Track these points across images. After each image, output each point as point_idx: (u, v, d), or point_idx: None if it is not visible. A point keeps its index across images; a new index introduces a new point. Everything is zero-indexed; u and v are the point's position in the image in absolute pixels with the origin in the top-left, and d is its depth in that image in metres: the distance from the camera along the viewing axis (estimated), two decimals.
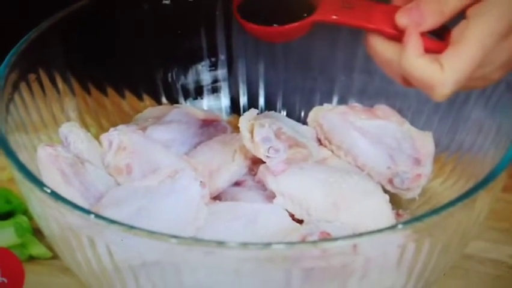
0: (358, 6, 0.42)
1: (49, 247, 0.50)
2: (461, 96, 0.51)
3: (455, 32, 0.40)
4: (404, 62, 0.40)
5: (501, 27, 0.39)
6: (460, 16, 0.41)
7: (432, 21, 0.40)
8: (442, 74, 0.39)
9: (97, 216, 0.39)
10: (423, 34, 0.41)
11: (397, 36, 0.41)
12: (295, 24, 0.44)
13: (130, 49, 0.55)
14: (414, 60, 0.40)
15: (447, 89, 0.40)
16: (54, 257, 0.50)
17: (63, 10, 0.52)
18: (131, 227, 0.38)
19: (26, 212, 0.52)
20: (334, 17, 0.43)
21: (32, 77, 0.50)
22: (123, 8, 0.54)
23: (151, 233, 0.38)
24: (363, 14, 0.42)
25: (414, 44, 0.40)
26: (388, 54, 0.41)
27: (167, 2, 0.55)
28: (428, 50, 0.40)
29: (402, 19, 0.41)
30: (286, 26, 0.44)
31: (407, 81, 0.41)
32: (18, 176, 0.43)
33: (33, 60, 0.50)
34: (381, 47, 0.41)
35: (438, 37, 0.41)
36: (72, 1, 0.52)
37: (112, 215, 0.42)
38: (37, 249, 0.51)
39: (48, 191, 0.41)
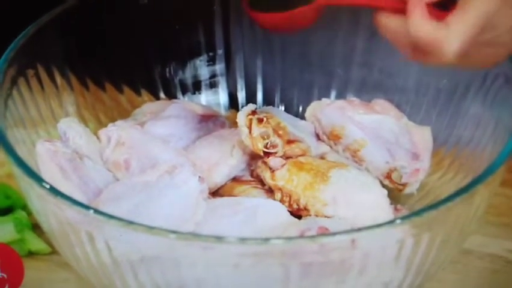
0: None
1: (48, 242, 0.50)
2: (459, 91, 0.51)
3: (461, 1, 0.41)
4: (410, 26, 0.41)
5: None
6: None
7: None
8: (448, 32, 0.40)
9: (96, 211, 0.40)
10: (429, 5, 0.41)
11: (404, 9, 0.41)
12: (302, 8, 0.44)
13: (128, 44, 0.55)
14: (419, 22, 0.41)
15: (454, 47, 0.40)
16: (54, 252, 0.50)
17: (61, 5, 0.52)
18: (130, 222, 0.39)
19: (25, 208, 0.52)
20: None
21: (30, 72, 0.50)
22: (121, 2, 0.54)
23: (150, 228, 0.38)
24: None
25: (418, 9, 0.41)
26: (396, 27, 0.42)
27: None
28: (435, 20, 0.41)
29: None
30: (294, 11, 0.44)
31: (415, 51, 0.42)
32: (17, 171, 0.42)
33: (31, 55, 0.50)
34: (388, 22, 0.42)
35: (445, 9, 0.42)
36: None
37: (110, 210, 0.42)
38: (36, 244, 0.51)
39: (47, 186, 0.41)
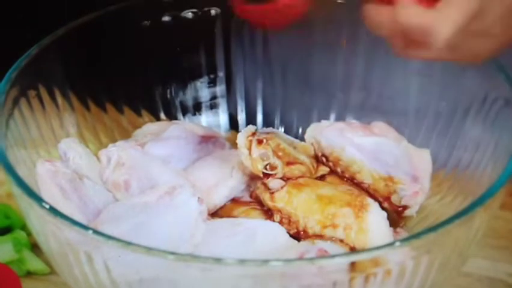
0: None
1: (47, 263, 0.50)
2: (459, 113, 0.52)
3: None
4: (399, 13, 0.39)
5: None
6: None
7: None
8: (438, 17, 0.39)
9: (95, 232, 0.39)
10: None
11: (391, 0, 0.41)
12: (287, 0, 0.44)
13: (129, 65, 0.56)
14: (409, 8, 0.39)
15: (445, 32, 0.39)
16: (52, 272, 0.50)
17: (63, 27, 0.52)
18: (129, 243, 0.38)
19: (24, 228, 0.52)
20: None
21: (32, 92, 0.50)
22: (122, 24, 0.55)
23: (149, 249, 0.38)
24: None
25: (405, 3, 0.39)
26: (383, 17, 0.41)
27: (167, 19, 0.56)
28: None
29: None
30: (281, 2, 0.44)
31: (405, 42, 0.40)
32: (17, 191, 0.43)
33: (33, 76, 0.50)
34: (376, 12, 0.41)
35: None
36: (72, 18, 0.53)
37: (109, 230, 0.42)
38: (35, 264, 0.50)
39: (47, 206, 0.41)
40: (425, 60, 0.42)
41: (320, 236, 0.46)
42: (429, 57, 0.41)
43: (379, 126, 0.53)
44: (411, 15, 0.39)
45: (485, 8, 0.39)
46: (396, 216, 0.49)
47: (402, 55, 0.42)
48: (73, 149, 0.50)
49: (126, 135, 0.55)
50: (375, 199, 0.49)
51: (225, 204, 0.50)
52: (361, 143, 0.51)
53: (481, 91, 0.50)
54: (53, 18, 0.53)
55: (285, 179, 0.49)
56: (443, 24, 0.39)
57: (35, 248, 0.50)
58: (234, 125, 0.59)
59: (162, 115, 0.58)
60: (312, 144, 0.52)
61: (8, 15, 0.64)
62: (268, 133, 0.52)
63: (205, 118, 0.58)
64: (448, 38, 0.39)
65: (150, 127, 0.56)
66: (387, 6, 0.41)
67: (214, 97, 0.59)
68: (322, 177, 0.51)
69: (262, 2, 0.45)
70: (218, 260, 0.38)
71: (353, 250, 0.45)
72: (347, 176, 0.51)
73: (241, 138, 0.49)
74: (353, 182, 0.50)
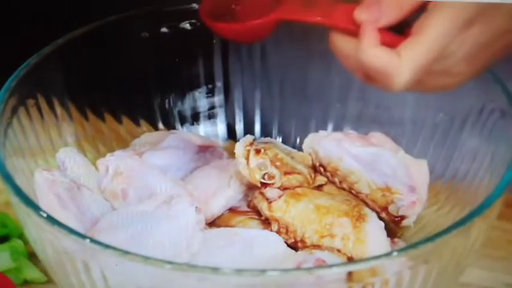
0: (320, 4, 0.43)
1: (44, 271, 0.50)
2: (456, 124, 0.52)
3: (417, 24, 0.40)
4: (360, 52, 0.40)
5: (462, 18, 0.39)
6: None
7: (391, 16, 0.40)
8: (399, 61, 0.39)
9: (92, 240, 0.39)
10: (383, 29, 0.41)
11: (357, 31, 0.41)
12: (257, 22, 0.44)
13: (128, 75, 0.56)
14: (370, 50, 0.39)
15: (404, 76, 0.39)
16: (49, 281, 0.50)
17: (62, 37, 0.53)
18: (126, 252, 0.38)
19: (21, 236, 0.52)
20: (295, 15, 0.43)
21: (30, 102, 0.50)
22: (121, 34, 0.55)
23: (146, 258, 0.38)
24: (324, 11, 0.42)
25: (370, 35, 0.40)
26: (347, 49, 0.41)
27: (165, 30, 0.56)
28: (388, 45, 0.40)
29: (361, 14, 0.41)
30: (247, 24, 0.44)
31: (367, 77, 0.41)
32: (14, 200, 0.43)
33: (32, 85, 0.50)
34: (341, 42, 0.41)
35: (400, 33, 0.41)
36: (71, 28, 0.53)
37: (107, 239, 0.42)
38: (32, 273, 0.50)
39: (45, 215, 0.41)
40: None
41: (317, 246, 0.46)
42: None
43: (376, 136, 0.53)
44: (373, 56, 0.39)
45: (449, 50, 0.40)
46: (393, 226, 0.49)
47: (365, 83, 0.42)
48: (71, 158, 0.50)
49: (124, 144, 0.55)
50: (373, 209, 0.49)
51: (222, 214, 0.50)
52: (358, 153, 0.51)
53: (477, 102, 0.50)
54: (52, 27, 0.53)
55: (283, 188, 0.49)
56: (402, 70, 0.39)
57: (32, 256, 0.50)
58: (231, 134, 0.59)
59: (160, 125, 0.58)
60: (309, 154, 0.52)
61: (7, 24, 0.65)
62: (266, 143, 0.52)
63: (203, 128, 0.59)
64: (407, 82, 0.39)
65: (148, 137, 0.56)
66: (352, 38, 0.41)
67: (212, 107, 0.59)
68: (319, 187, 0.51)
69: (230, 21, 0.45)
70: (215, 270, 0.38)
71: (350, 260, 0.45)
72: (344, 186, 0.51)
73: (239, 147, 0.49)
74: (351, 192, 0.50)
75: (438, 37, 0.39)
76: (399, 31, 0.41)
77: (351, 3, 0.42)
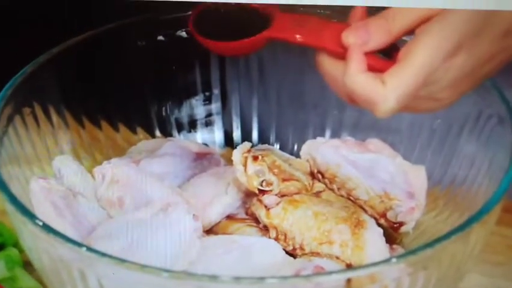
0: (310, 24, 0.43)
1: (39, 280, 0.49)
2: (454, 130, 0.52)
3: (403, 50, 0.40)
4: (346, 78, 0.40)
5: (447, 46, 0.39)
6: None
7: (379, 40, 0.40)
8: (384, 89, 0.39)
9: (89, 249, 0.39)
10: (371, 53, 0.40)
11: (344, 54, 0.41)
12: (247, 40, 0.44)
13: (125, 83, 0.56)
14: (356, 76, 0.40)
15: (389, 104, 0.39)
16: None
17: (59, 45, 0.52)
18: (123, 260, 0.38)
19: (16, 245, 0.51)
20: (285, 35, 0.43)
21: (26, 110, 0.50)
22: (118, 43, 0.55)
23: (143, 266, 0.38)
24: (313, 33, 0.42)
25: (356, 60, 0.40)
26: (334, 71, 0.41)
27: (162, 38, 0.56)
28: (375, 69, 0.40)
29: (348, 38, 0.41)
30: (238, 42, 0.44)
31: (352, 99, 0.41)
32: (10, 208, 0.42)
33: (28, 93, 0.50)
34: (328, 64, 0.41)
35: (388, 56, 0.41)
36: (68, 36, 0.53)
37: (103, 248, 0.42)
38: (27, 282, 0.50)
39: (40, 223, 0.40)
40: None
41: (316, 253, 0.46)
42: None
43: (374, 143, 0.53)
44: (358, 83, 0.40)
45: (433, 78, 0.40)
46: (392, 232, 0.49)
47: (349, 103, 0.42)
48: (67, 166, 0.50)
49: (121, 152, 0.55)
50: (371, 216, 0.49)
51: (220, 221, 0.49)
52: (356, 160, 0.51)
53: (475, 108, 0.50)
54: (49, 36, 0.53)
55: (281, 195, 0.49)
56: (387, 98, 0.39)
57: (27, 265, 0.50)
58: (229, 142, 0.59)
59: (157, 132, 0.58)
60: (307, 161, 0.52)
61: (6, 32, 0.65)
62: (263, 150, 0.52)
63: (200, 135, 0.58)
64: (393, 109, 0.40)
65: (145, 144, 0.55)
66: (339, 60, 0.41)
67: (209, 114, 0.59)
68: (318, 194, 0.51)
69: (221, 39, 0.45)
70: (213, 278, 0.37)
71: (349, 267, 0.45)
72: (342, 192, 0.50)
73: (237, 154, 0.49)
74: (349, 198, 0.50)
75: (424, 65, 0.39)
76: (387, 55, 0.41)
77: (342, 22, 0.42)
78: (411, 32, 0.41)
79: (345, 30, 0.41)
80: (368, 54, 0.40)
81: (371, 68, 0.40)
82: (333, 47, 0.41)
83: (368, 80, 0.39)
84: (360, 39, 0.40)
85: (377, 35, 0.40)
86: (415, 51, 0.39)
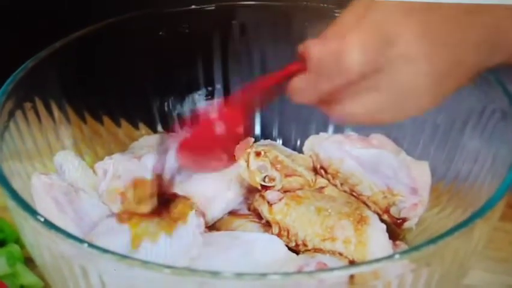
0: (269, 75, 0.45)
1: (41, 277, 0.49)
2: (457, 126, 0.52)
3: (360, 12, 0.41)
4: (309, 55, 0.40)
5: (401, 9, 0.40)
6: None
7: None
8: (344, 41, 0.40)
9: (90, 245, 0.39)
10: None
11: (305, 66, 0.42)
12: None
13: (127, 78, 0.55)
14: (315, 46, 0.40)
15: (354, 51, 0.39)
16: (46, 286, 0.49)
17: (60, 40, 0.52)
18: (125, 257, 0.38)
19: (18, 241, 0.51)
20: (253, 89, 0.45)
21: (28, 105, 0.50)
22: (120, 37, 0.55)
23: (145, 262, 0.38)
24: (274, 74, 0.44)
25: (313, 42, 0.41)
26: (304, 84, 0.42)
27: (164, 32, 0.56)
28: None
29: (303, 46, 0.42)
30: (210, 121, 0.46)
31: (329, 102, 0.42)
32: (11, 204, 0.42)
33: (29, 88, 0.50)
34: (298, 83, 0.42)
35: None
36: (69, 31, 0.53)
37: (105, 244, 0.41)
38: (29, 278, 0.50)
39: (42, 219, 0.40)
40: (363, 119, 0.43)
41: (318, 249, 0.46)
42: (364, 108, 0.41)
43: (377, 138, 0.52)
44: (319, 47, 0.40)
45: (393, 33, 0.40)
46: (395, 228, 0.49)
47: (339, 118, 0.43)
48: (68, 162, 0.50)
49: (123, 147, 0.55)
50: (375, 211, 0.49)
51: (222, 217, 0.49)
52: (360, 155, 0.51)
53: (478, 104, 0.50)
54: (50, 31, 0.53)
55: (283, 191, 0.49)
56: (350, 45, 0.40)
57: (28, 262, 0.50)
58: None
59: (159, 128, 0.57)
60: (310, 156, 0.52)
61: (6, 27, 0.64)
62: (266, 145, 0.52)
63: None
64: (360, 60, 0.40)
65: (147, 140, 0.55)
66: (304, 73, 0.42)
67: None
68: (320, 190, 0.51)
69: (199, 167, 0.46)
70: (215, 274, 0.37)
71: (352, 263, 0.45)
72: (345, 188, 0.50)
73: (239, 150, 0.48)
74: (352, 194, 0.50)
75: (379, 19, 0.40)
76: None
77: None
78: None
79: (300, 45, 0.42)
80: None
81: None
82: (297, 67, 0.42)
83: (326, 41, 0.40)
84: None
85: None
86: (371, 10, 0.40)
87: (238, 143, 0.48)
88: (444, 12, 0.40)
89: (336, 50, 0.40)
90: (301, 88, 0.42)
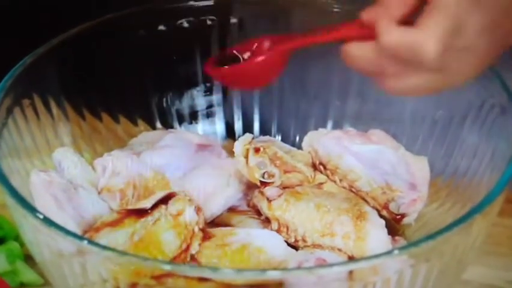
0: (321, 30, 0.44)
1: (41, 274, 0.50)
2: (456, 121, 0.52)
3: (427, 8, 0.40)
4: (383, 40, 0.40)
5: None
6: None
7: (397, 12, 0.41)
8: (422, 32, 0.40)
9: (90, 242, 0.39)
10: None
11: (369, 34, 0.41)
12: (264, 57, 0.44)
13: (125, 74, 0.55)
14: (390, 32, 0.40)
15: (432, 42, 0.39)
16: (46, 284, 0.49)
17: (58, 36, 0.52)
18: (124, 253, 0.38)
19: (17, 238, 0.51)
20: (301, 40, 0.44)
21: (26, 102, 0.50)
22: (118, 34, 0.55)
23: (145, 259, 0.38)
24: (327, 31, 0.43)
25: (386, 19, 0.40)
26: (363, 52, 0.41)
27: (162, 28, 0.56)
28: None
29: (368, 14, 0.41)
30: (255, 61, 0.44)
31: (391, 75, 0.41)
32: (10, 201, 0.42)
33: (27, 85, 0.50)
34: (355, 49, 0.42)
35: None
36: (68, 27, 0.53)
37: (105, 241, 0.41)
38: (28, 276, 0.50)
39: (41, 216, 0.40)
40: (413, 94, 0.43)
41: (318, 245, 0.46)
42: (418, 85, 0.41)
43: (376, 134, 0.52)
44: (396, 37, 0.40)
45: (463, 23, 0.40)
46: (394, 224, 0.49)
47: (391, 91, 0.42)
48: (67, 159, 0.49)
49: (122, 144, 0.55)
50: (374, 207, 0.49)
51: (222, 213, 0.49)
52: (359, 151, 0.51)
53: (477, 98, 0.50)
54: (49, 27, 0.52)
55: (283, 187, 0.49)
56: (428, 39, 0.40)
57: (28, 259, 0.50)
58: (230, 133, 0.58)
59: (158, 124, 0.57)
60: (309, 152, 0.52)
61: (5, 24, 0.64)
62: (265, 141, 0.52)
63: (201, 126, 0.58)
64: (436, 53, 0.40)
65: (146, 136, 0.55)
66: (366, 42, 0.41)
67: (210, 105, 0.58)
68: (320, 186, 0.51)
69: (234, 62, 0.44)
70: (215, 270, 0.37)
71: (351, 259, 0.45)
72: (344, 184, 0.50)
73: (238, 146, 0.48)
74: (351, 190, 0.50)
75: (452, 3, 0.40)
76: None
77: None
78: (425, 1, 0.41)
79: (363, 12, 0.42)
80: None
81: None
82: (357, 31, 0.41)
83: (405, 31, 0.40)
84: (379, 14, 0.41)
85: (394, 7, 0.41)
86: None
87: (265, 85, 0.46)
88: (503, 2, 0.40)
89: (414, 41, 0.39)
90: (360, 56, 0.41)
